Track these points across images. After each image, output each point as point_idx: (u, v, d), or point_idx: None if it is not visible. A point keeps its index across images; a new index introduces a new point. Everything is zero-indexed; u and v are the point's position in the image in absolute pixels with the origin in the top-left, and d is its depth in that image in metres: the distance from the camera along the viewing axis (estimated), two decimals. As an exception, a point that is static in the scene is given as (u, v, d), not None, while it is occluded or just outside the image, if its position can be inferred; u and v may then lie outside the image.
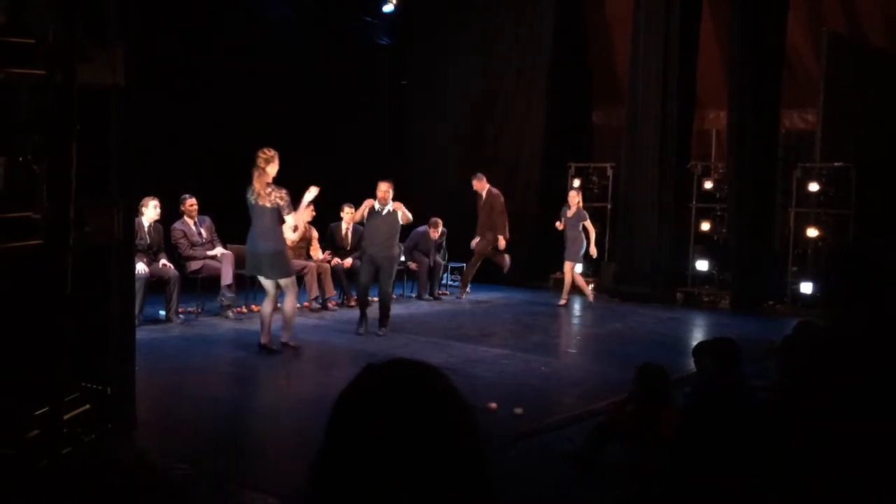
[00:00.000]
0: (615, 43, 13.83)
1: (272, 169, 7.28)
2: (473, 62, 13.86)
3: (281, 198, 7.26)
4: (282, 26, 12.05)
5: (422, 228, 11.78)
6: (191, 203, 9.39)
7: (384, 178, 8.64)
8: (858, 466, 2.06)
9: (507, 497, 1.10)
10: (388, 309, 8.77)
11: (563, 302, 11.47)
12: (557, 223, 11.46)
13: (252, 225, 7.46)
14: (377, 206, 8.60)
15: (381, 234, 8.61)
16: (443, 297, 12.07)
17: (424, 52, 14.46)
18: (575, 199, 11.43)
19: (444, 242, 12.28)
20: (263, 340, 7.57)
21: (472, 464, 1.07)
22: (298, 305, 10.14)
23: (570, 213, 11.36)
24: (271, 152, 7.29)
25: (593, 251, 11.56)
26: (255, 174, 7.28)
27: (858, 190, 11.17)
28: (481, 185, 11.85)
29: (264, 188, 7.27)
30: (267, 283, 7.58)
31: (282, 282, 7.55)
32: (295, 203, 7.54)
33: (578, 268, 11.63)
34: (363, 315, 8.74)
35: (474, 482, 1.06)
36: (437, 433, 1.06)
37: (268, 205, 7.27)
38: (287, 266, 7.60)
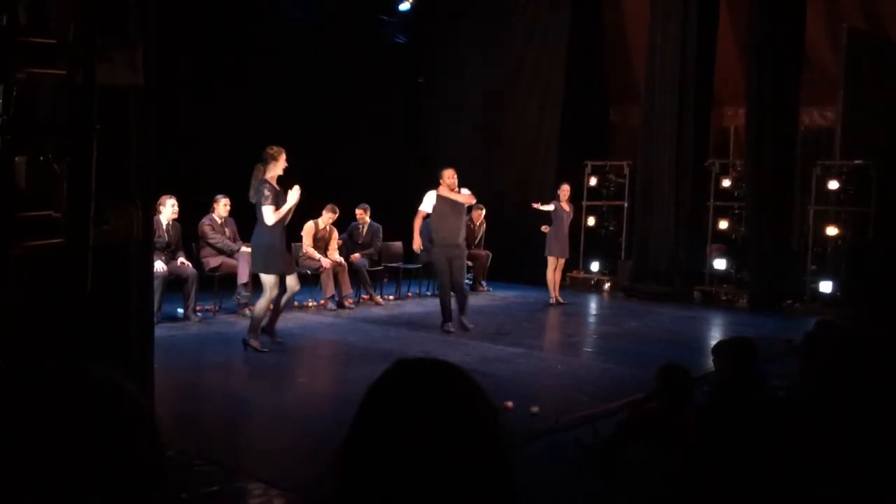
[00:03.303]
0: (632, 40, 13.77)
1: (273, 166, 7.17)
2: (489, 60, 13.83)
3: (264, 193, 7.12)
4: (298, 26, 12.09)
5: None
6: (225, 203, 9.44)
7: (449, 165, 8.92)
8: (874, 466, 2.04)
9: (526, 495, 1.10)
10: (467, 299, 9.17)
11: (560, 300, 11.37)
12: (542, 205, 11.34)
13: None
14: (446, 194, 8.67)
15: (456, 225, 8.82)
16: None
17: (440, 51, 14.45)
18: (567, 193, 11.38)
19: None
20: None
21: (500, 464, 1.06)
22: (314, 304, 10.28)
23: (567, 208, 11.29)
24: (274, 149, 7.22)
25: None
26: (255, 170, 7.24)
27: (878, 188, 11.07)
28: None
29: (255, 182, 7.22)
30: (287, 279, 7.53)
31: (261, 278, 7.38)
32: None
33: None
34: (450, 311, 8.88)
35: (500, 483, 1.06)
36: (469, 430, 1.05)
37: (259, 199, 7.20)
38: (265, 262, 7.30)
